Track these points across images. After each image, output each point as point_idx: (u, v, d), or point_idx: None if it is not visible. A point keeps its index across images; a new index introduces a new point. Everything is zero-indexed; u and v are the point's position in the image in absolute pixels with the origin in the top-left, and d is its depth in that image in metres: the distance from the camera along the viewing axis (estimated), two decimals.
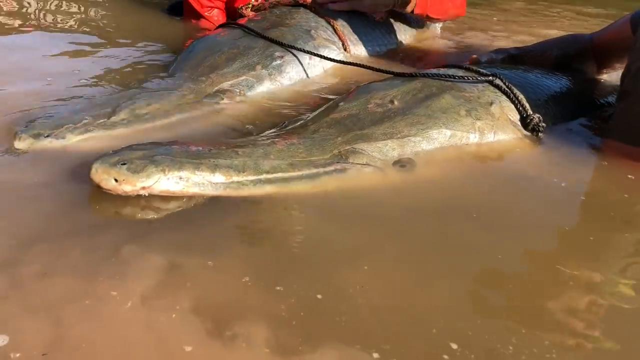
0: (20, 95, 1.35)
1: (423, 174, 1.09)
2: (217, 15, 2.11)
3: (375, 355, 0.68)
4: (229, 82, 1.46)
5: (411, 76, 1.31)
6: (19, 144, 1.07)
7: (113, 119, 1.18)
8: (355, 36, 1.84)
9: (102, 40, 1.94)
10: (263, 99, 1.47)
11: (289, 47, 1.58)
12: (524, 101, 1.25)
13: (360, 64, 1.48)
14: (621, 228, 1.02)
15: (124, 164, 0.86)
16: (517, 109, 1.24)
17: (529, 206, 1.05)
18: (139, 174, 0.85)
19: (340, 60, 1.55)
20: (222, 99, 1.40)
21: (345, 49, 1.75)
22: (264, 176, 0.95)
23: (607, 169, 1.21)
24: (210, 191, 0.91)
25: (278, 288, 0.76)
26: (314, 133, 1.10)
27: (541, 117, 1.23)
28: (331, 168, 1.01)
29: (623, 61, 1.51)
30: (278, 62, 1.59)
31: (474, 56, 1.47)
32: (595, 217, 1.06)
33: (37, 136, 1.08)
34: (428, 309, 0.76)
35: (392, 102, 1.20)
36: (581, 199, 1.12)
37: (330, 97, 1.45)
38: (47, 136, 1.08)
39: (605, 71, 1.62)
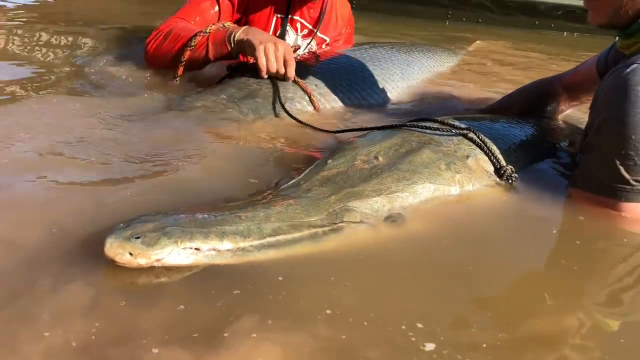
0: None
1: (413, 227, 1.15)
2: None
3: None
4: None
5: (392, 128, 1.40)
6: None
7: None
8: (328, 96, 1.94)
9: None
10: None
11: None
12: (497, 153, 1.35)
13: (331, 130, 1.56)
14: (588, 267, 1.12)
15: (138, 237, 0.89)
16: (491, 161, 1.33)
17: (511, 251, 1.15)
18: (153, 247, 0.88)
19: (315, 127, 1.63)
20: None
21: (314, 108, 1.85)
22: (266, 240, 0.99)
23: (574, 215, 1.31)
24: (219, 260, 0.94)
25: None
26: (307, 192, 1.15)
27: (513, 168, 1.32)
28: (328, 228, 1.06)
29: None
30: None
31: None
32: (568, 257, 1.16)
33: None
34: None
35: (377, 158, 1.26)
36: (555, 241, 1.23)
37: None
38: None
39: (574, 108, 1.82)
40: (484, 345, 0.85)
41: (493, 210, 1.27)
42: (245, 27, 1.91)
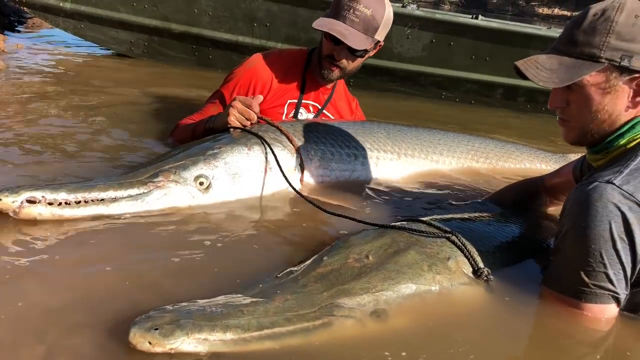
0: None
1: (394, 322, 1.31)
2: None
3: None
4: (169, 165, 1.80)
5: (384, 227, 1.58)
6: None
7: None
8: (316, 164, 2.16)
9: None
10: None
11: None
12: (476, 255, 1.52)
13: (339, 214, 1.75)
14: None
15: (157, 329, 1.06)
16: (470, 262, 1.50)
17: (483, 345, 1.31)
18: (168, 337, 1.06)
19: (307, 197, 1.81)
20: (158, 176, 1.75)
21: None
22: (264, 332, 1.16)
23: (542, 312, 1.48)
24: (222, 348, 1.11)
25: None
26: (304, 287, 1.32)
27: (489, 270, 1.49)
28: (319, 322, 1.23)
29: None
30: (215, 151, 1.90)
31: None
32: (534, 352, 1.34)
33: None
34: None
35: (367, 257, 1.44)
36: (526, 339, 1.40)
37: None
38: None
39: (554, 205, 2.02)
40: None
41: (469, 308, 1.43)
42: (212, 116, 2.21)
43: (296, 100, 2.45)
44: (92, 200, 1.61)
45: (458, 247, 1.52)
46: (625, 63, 1.39)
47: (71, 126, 2.55)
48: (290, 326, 1.19)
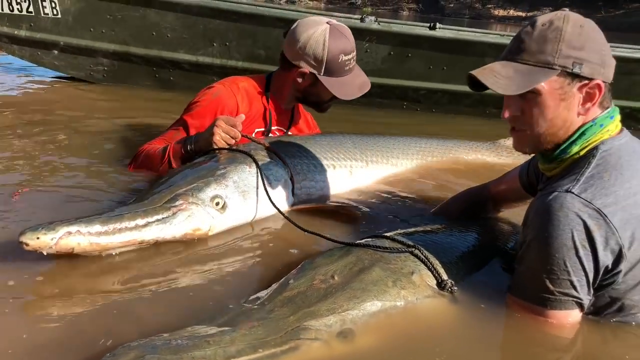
0: None
1: (361, 341, 1.32)
2: None
3: None
4: (184, 189, 1.82)
5: (350, 245, 1.60)
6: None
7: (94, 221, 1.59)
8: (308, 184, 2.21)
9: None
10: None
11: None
12: (439, 268, 1.54)
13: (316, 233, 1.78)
14: None
15: None
16: (434, 275, 1.53)
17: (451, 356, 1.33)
18: None
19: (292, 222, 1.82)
20: (178, 200, 1.77)
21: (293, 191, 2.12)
22: None
23: (508, 320, 1.51)
24: None
25: None
26: (270, 313, 1.32)
27: (453, 282, 1.51)
28: (286, 347, 1.23)
29: (516, 205, 1.97)
30: (222, 171, 1.94)
31: None
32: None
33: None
34: None
35: (333, 277, 1.45)
36: (494, 347, 1.44)
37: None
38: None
39: (501, 212, 2.08)
40: None
41: (435, 320, 1.46)
42: (190, 138, 2.21)
43: (263, 129, 2.48)
44: (124, 228, 1.62)
45: (421, 260, 1.54)
46: (577, 70, 1.44)
47: (31, 155, 2.51)
48: (257, 353, 1.19)
